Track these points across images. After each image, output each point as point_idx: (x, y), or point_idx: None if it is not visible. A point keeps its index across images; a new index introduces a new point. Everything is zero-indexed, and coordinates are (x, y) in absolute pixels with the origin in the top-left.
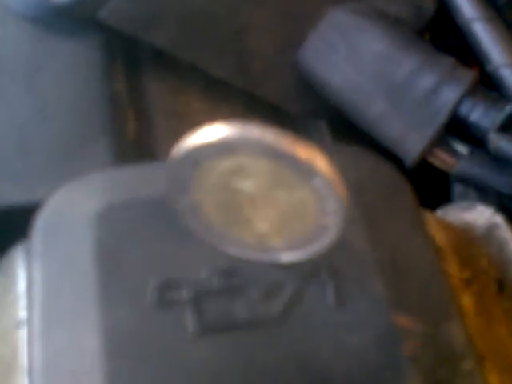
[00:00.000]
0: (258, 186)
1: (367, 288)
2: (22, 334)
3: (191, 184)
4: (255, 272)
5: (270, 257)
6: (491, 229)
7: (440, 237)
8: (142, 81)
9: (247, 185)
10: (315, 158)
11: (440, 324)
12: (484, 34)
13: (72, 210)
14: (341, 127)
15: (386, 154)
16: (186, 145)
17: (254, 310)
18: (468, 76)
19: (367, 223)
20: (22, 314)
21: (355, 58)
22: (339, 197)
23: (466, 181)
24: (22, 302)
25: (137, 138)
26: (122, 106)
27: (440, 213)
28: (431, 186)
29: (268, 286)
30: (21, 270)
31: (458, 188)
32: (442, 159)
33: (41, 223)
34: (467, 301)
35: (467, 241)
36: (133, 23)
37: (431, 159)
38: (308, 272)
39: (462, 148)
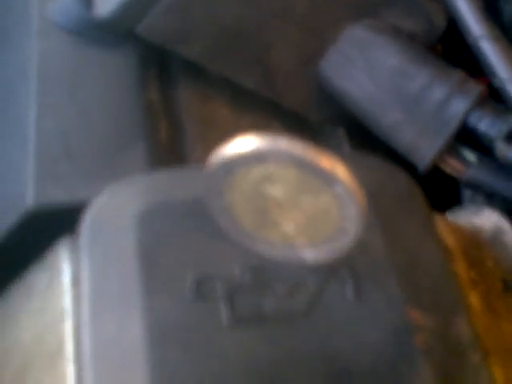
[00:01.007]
0: (285, 191)
1: (383, 286)
2: (68, 323)
3: (225, 189)
4: (282, 270)
5: (295, 256)
6: (497, 233)
7: (450, 239)
8: (173, 90)
9: (275, 190)
10: (337, 168)
11: (449, 319)
12: (490, 51)
13: (116, 209)
14: (358, 134)
15: (400, 160)
16: (221, 154)
17: (280, 304)
18: (476, 89)
19: (383, 227)
20: (68, 304)
21: (372, 71)
22: (358, 203)
23: (474, 187)
24: (67, 294)
25: (169, 143)
26: (156, 114)
27: (450, 216)
28: (443, 190)
29: (293, 283)
30: (66, 264)
31: (467, 192)
32: (452, 166)
33: (88, 221)
34: (474, 299)
35: (475, 243)
36: (167, 38)
37: (442, 166)
38: (329, 271)
39: (471, 156)
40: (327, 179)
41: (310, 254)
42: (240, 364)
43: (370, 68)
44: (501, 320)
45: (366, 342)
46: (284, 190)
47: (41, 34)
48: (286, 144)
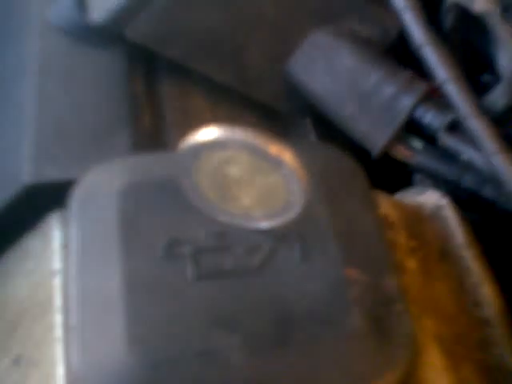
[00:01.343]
0: (242, 172)
1: (325, 248)
2: (57, 281)
3: (193, 170)
4: (240, 235)
5: (251, 224)
6: (438, 209)
7: (392, 214)
8: (156, 84)
9: (234, 171)
10: (283, 153)
11: (379, 276)
12: (430, 56)
13: (101, 185)
14: (322, 124)
15: (358, 147)
16: (190, 141)
17: (237, 263)
18: (421, 87)
19: (327, 201)
20: (57, 265)
21: (332, 70)
22: (301, 182)
23: (421, 170)
24: (57, 256)
25: (151, 131)
26: (140, 105)
27: (398, 195)
28: (397, 174)
29: (249, 246)
30: (57, 232)
31: (417, 176)
32: (401, 153)
33: (77, 195)
34: (412, 263)
35: (417, 217)
36: (151, 40)
37: (393, 153)
38: (280, 236)
39: (417, 144)
40: (275, 162)
41: (264, 223)
42: (202, 311)
43: (331, 67)
44: (435, 281)
45: (308, 293)
46: (241, 170)
47: (40, 33)
48: (241, 134)
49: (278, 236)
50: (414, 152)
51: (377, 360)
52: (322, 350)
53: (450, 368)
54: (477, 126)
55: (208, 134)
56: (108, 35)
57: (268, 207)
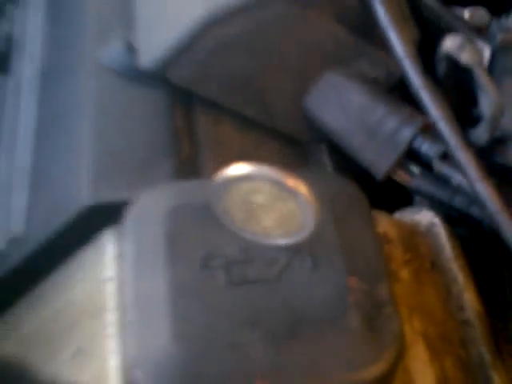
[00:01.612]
0: (264, 199)
1: (331, 261)
2: (110, 286)
3: (225, 197)
4: (262, 250)
5: (271, 241)
6: (430, 226)
7: (391, 231)
8: (193, 117)
9: (258, 198)
10: (298, 184)
11: (374, 284)
12: (425, 98)
13: (151, 207)
14: (335, 150)
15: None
16: (223, 174)
17: (260, 273)
18: (419, 121)
19: (333, 222)
20: (110, 273)
21: (343, 106)
22: (313, 208)
23: (418, 193)
24: (110, 266)
25: (190, 158)
26: (180, 136)
27: (398, 214)
28: (400, 195)
29: (269, 259)
30: (110, 245)
31: (416, 197)
32: (401, 177)
33: (131, 214)
34: (406, 273)
35: (412, 234)
36: (190, 82)
37: (394, 177)
38: (294, 251)
39: (415, 169)
40: (292, 192)
41: (281, 241)
42: (231, 312)
43: (342, 104)
44: (425, 288)
45: (316, 298)
46: (264, 198)
47: (95, 74)
48: (264, 169)
49: (292, 251)
50: (412, 177)
51: (369, 352)
52: (325, 343)
53: (434, 360)
54: (462, 157)
55: (237, 169)
56: (154, 77)
57: (285, 228)
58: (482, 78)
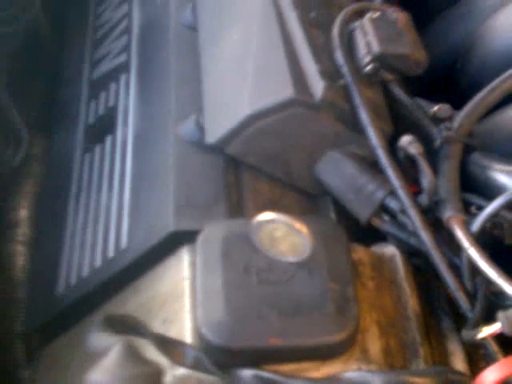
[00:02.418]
0: (281, 234)
1: (320, 273)
2: (187, 282)
3: (258, 231)
4: (279, 264)
5: (284, 259)
6: (392, 256)
7: (363, 257)
8: (240, 176)
9: (277, 233)
10: (302, 226)
11: (345, 287)
12: (390, 174)
13: (214, 234)
14: (336, 200)
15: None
16: (258, 217)
17: (277, 277)
18: (389, 187)
19: (322, 249)
20: (187, 274)
21: (339, 174)
22: (310, 240)
23: (388, 233)
24: (187, 269)
25: (237, 204)
26: (231, 189)
27: (373, 247)
28: (379, 235)
29: (284, 267)
30: (186, 255)
31: (389, 236)
32: (376, 223)
33: (201, 238)
34: (371, 284)
35: (379, 260)
36: (238, 153)
37: (372, 222)
38: (299, 264)
39: (386, 218)
40: (298, 230)
41: (291, 259)
42: (259, 299)
43: (339, 173)
44: (383, 295)
45: (310, 293)
46: (281, 233)
47: (175, 143)
48: (282, 216)
49: (297, 265)
50: (383, 222)
51: (338, 326)
52: (313, 319)
53: (382, 338)
54: (411, 213)
55: (266, 215)
56: (215, 148)
57: (293, 252)
58: (422, 164)
